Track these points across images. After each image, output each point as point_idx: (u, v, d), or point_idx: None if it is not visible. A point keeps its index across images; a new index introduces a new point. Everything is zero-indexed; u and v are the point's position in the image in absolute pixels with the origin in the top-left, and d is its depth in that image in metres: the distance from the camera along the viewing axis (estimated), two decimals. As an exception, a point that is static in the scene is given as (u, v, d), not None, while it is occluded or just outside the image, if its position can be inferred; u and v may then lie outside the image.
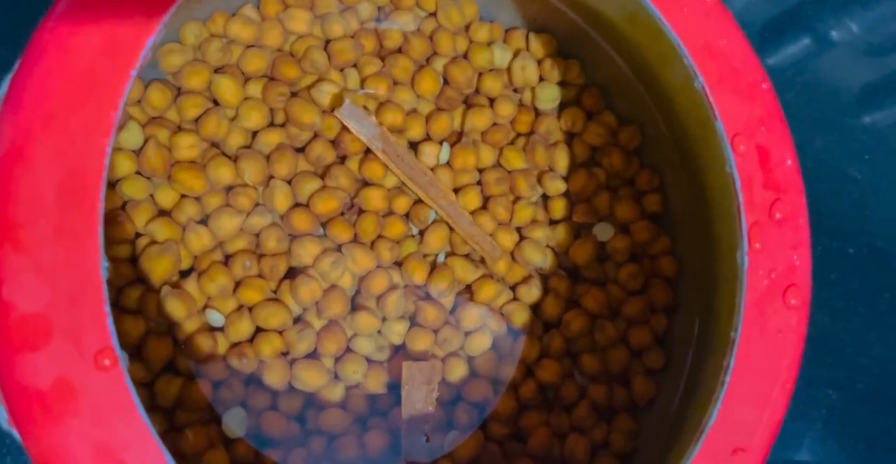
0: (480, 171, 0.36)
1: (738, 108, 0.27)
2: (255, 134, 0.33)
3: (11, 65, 0.37)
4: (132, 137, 0.32)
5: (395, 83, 0.35)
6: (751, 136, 0.27)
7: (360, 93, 0.34)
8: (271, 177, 0.33)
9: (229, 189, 0.33)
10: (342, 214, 0.34)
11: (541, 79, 0.37)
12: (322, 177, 0.34)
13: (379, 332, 0.34)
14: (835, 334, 0.45)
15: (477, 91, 0.36)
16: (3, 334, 0.20)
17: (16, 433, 0.21)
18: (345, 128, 0.33)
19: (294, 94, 0.34)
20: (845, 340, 0.45)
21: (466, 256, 0.35)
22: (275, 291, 0.33)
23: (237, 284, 0.32)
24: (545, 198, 0.37)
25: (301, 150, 0.34)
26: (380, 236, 0.34)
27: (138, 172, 0.32)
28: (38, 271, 0.21)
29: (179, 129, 0.33)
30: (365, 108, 0.34)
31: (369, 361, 0.33)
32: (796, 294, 0.27)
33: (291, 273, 0.33)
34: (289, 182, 0.33)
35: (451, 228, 0.35)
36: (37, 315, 0.20)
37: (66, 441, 0.20)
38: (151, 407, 0.31)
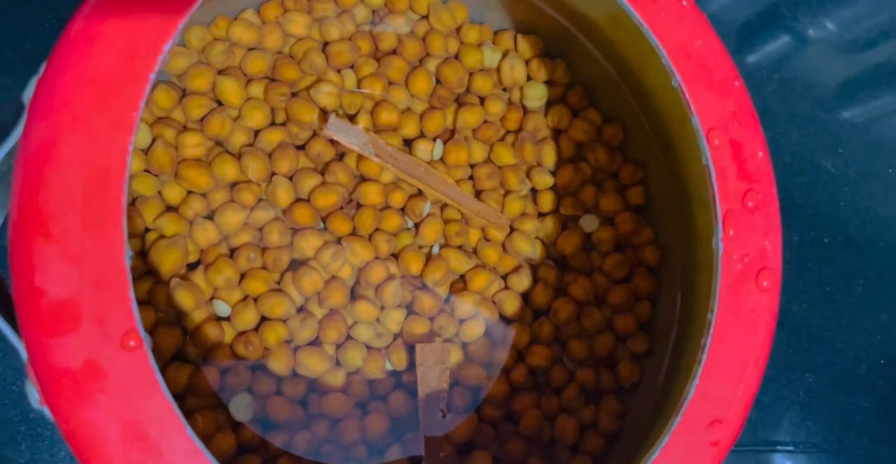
0: (472, 166, 0.38)
1: (712, 104, 0.29)
2: (257, 133, 0.35)
3: (17, 67, 0.38)
4: (141, 136, 0.33)
5: (390, 83, 0.37)
6: (725, 130, 0.29)
7: (356, 92, 0.36)
8: (273, 173, 0.35)
9: (234, 185, 0.34)
10: (341, 208, 0.35)
11: (528, 78, 0.39)
12: (322, 173, 0.35)
13: (378, 320, 0.35)
14: (811, 320, 0.47)
15: (468, 90, 0.38)
16: (35, 319, 0.22)
17: (47, 411, 0.23)
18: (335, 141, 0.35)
19: (294, 95, 0.35)
20: (821, 325, 0.47)
21: (460, 247, 0.37)
22: (278, 282, 0.34)
23: (242, 276, 0.34)
24: (534, 192, 0.39)
25: (301, 147, 0.36)
26: (377, 229, 0.36)
27: (147, 170, 0.33)
28: (67, 260, 0.22)
29: (185, 128, 0.34)
30: (351, 119, 0.36)
31: (369, 347, 0.35)
32: (768, 277, 0.29)
33: (294, 265, 0.35)
34: (290, 178, 0.35)
35: (460, 213, 0.37)
36: (66, 301, 0.22)
37: (95, 417, 0.22)
38: (163, 393, 0.32)
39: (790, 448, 0.45)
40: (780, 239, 0.29)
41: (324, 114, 0.35)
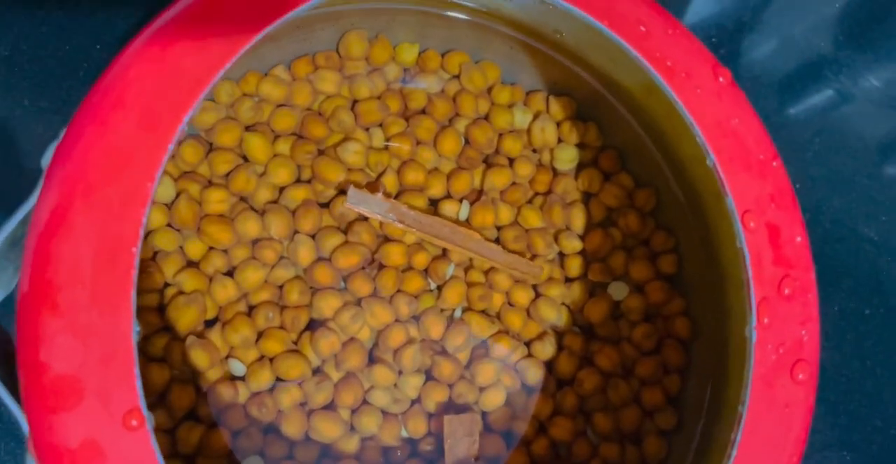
0: (499, 228, 0.37)
1: (749, 185, 0.28)
2: (282, 189, 0.35)
3: (50, 116, 0.38)
4: (165, 190, 0.33)
5: (419, 143, 0.36)
6: (761, 213, 0.28)
7: (386, 145, 0.36)
8: (296, 231, 0.34)
9: (255, 242, 0.34)
10: (363, 268, 0.35)
11: (559, 140, 0.38)
12: (345, 232, 0.35)
13: (395, 385, 0.34)
14: (850, 396, 0.44)
15: (497, 151, 0.37)
16: (37, 395, 0.21)
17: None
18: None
19: (321, 152, 0.35)
20: (860, 401, 0.45)
21: (483, 312, 0.36)
22: (295, 343, 0.34)
23: (259, 335, 0.33)
24: (561, 256, 0.38)
25: (326, 205, 0.35)
26: (399, 291, 0.35)
27: (169, 225, 0.33)
28: (73, 334, 0.22)
29: (210, 183, 0.34)
30: (377, 179, 0.35)
31: (385, 413, 0.34)
32: (804, 369, 0.27)
33: (312, 325, 0.34)
34: (313, 237, 0.34)
35: (484, 277, 0.36)
36: (70, 376, 0.21)
37: (92, 499, 0.21)
38: (173, 454, 0.31)
39: (825, 530, 0.43)
40: (818, 329, 0.28)
41: (348, 172, 0.35)
